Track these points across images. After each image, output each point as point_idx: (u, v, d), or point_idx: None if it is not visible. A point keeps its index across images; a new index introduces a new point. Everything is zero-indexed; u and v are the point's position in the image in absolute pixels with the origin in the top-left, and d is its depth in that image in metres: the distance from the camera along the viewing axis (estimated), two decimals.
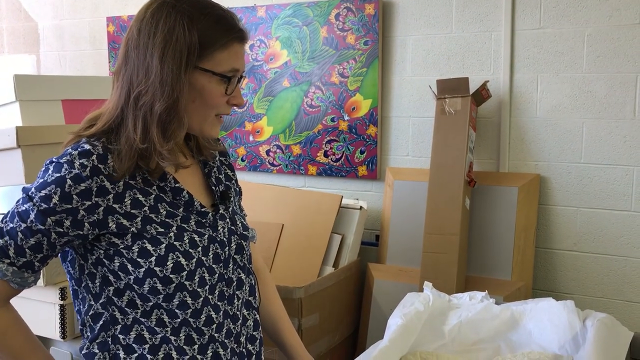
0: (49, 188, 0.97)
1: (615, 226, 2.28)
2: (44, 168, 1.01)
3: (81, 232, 0.99)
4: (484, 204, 2.40)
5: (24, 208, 0.99)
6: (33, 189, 0.99)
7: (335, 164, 2.72)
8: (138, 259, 1.00)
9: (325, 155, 2.73)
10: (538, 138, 2.37)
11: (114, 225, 1.00)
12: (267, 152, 2.86)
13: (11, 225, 1.00)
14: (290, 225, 2.48)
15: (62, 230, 0.98)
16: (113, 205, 1.00)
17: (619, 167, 2.26)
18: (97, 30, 3.28)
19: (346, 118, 2.67)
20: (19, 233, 0.99)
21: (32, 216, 0.98)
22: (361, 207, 2.48)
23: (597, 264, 2.31)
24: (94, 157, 0.99)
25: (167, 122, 1.00)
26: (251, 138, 2.89)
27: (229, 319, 1.11)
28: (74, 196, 0.97)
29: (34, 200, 0.98)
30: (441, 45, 2.49)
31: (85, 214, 0.98)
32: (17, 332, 1.07)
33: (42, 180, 0.99)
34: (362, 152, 2.66)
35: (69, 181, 0.97)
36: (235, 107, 1.10)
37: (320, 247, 2.41)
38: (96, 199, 0.98)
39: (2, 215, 1.03)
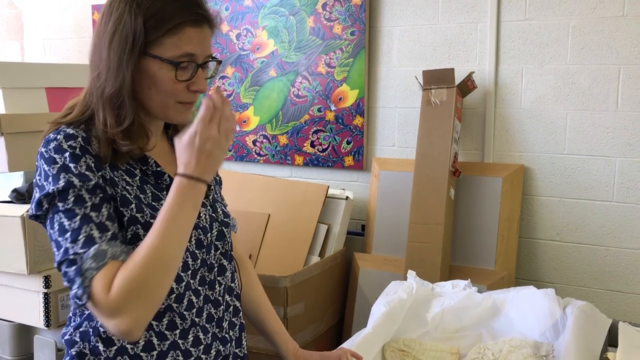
0: (62, 175, 0.96)
1: (597, 216, 2.31)
2: (41, 170, 0.98)
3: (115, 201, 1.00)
4: (468, 194, 2.42)
5: (67, 202, 0.95)
6: (49, 190, 0.96)
7: (321, 154, 2.73)
8: (129, 245, 1.01)
9: (312, 145, 2.74)
10: (522, 129, 2.39)
11: (119, 197, 1.01)
12: (254, 142, 2.86)
13: (76, 218, 0.95)
14: (277, 215, 2.49)
15: (105, 190, 0.99)
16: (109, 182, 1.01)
17: (601, 158, 2.29)
18: (82, 19, 3.25)
19: (333, 108, 2.67)
20: (91, 214, 0.95)
21: (84, 195, 0.96)
22: (347, 197, 2.49)
23: (578, 254, 2.35)
24: (80, 139, 1.00)
25: (117, 106, 1.01)
26: (238, 128, 2.88)
27: (209, 304, 1.12)
28: (86, 173, 0.97)
29: (64, 188, 0.96)
30: (427, 36, 2.50)
31: (103, 184, 0.99)
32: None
33: (50, 178, 0.97)
34: (348, 143, 2.67)
35: (70, 164, 0.97)
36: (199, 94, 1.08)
37: (307, 236, 2.42)
38: (99, 173, 1.00)
39: (57, 236, 0.96)
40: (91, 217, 0.95)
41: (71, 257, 0.93)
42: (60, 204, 0.96)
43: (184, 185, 0.96)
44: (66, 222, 0.95)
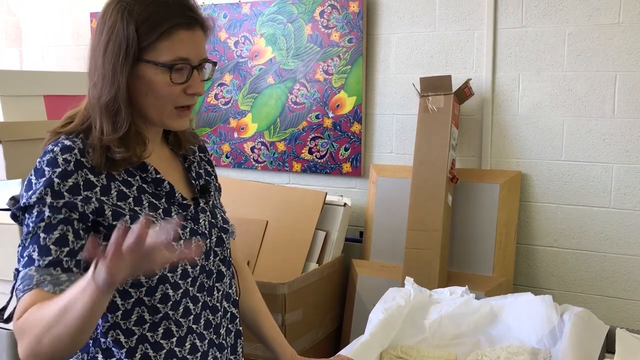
0: (39, 191, 0.97)
1: (594, 222, 2.31)
2: (29, 180, 1.00)
3: (88, 221, 1.00)
4: (466, 200, 2.42)
5: (30, 216, 0.97)
6: (25, 200, 0.99)
7: (319, 160, 2.73)
8: None
9: (310, 152, 2.74)
10: (519, 135, 2.40)
11: (110, 212, 1.01)
12: (252, 148, 2.86)
13: (28, 236, 0.97)
14: (275, 221, 2.49)
15: (75, 210, 0.99)
16: (101, 197, 1.01)
17: (598, 164, 2.30)
18: (81, 26, 3.26)
19: (330, 115, 2.68)
20: (40, 234, 0.96)
21: (45, 212, 0.96)
22: (345, 204, 2.49)
23: (576, 260, 2.35)
24: (76, 150, 1.00)
25: (113, 114, 1.02)
26: (236, 135, 2.89)
27: (207, 310, 1.12)
28: (65, 193, 0.98)
29: (34, 203, 0.97)
30: (424, 43, 2.51)
31: (83, 204, 0.99)
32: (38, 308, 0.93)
33: (30, 191, 0.99)
34: (346, 149, 2.68)
35: (56, 180, 0.98)
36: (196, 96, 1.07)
37: (305, 243, 2.42)
38: (85, 193, 0.99)
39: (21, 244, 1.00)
40: (39, 237, 0.96)
41: (14, 270, 0.98)
42: (26, 216, 0.99)
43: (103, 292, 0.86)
44: (23, 236, 0.99)
